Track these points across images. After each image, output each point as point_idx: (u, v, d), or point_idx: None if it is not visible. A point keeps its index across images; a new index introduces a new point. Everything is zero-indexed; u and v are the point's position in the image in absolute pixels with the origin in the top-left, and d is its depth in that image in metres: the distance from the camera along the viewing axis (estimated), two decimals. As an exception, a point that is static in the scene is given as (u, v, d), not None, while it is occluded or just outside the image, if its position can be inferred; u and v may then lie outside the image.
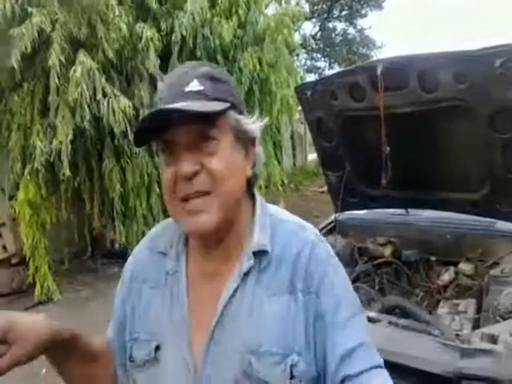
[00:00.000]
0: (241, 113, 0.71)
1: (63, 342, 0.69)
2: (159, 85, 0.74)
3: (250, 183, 0.74)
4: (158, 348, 0.72)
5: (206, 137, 0.66)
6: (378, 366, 0.67)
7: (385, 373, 0.67)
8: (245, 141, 0.71)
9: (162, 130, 0.65)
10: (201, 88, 0.66)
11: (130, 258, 0.84)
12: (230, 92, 0.70)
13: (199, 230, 0.67)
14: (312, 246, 0.72)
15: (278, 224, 0.75)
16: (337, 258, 0.75)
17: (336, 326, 0.67)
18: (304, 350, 0.67)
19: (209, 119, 0.64)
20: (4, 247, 4.98)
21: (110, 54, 4.26)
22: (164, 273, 0.76)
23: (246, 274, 0.70)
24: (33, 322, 0.66)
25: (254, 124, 0.72)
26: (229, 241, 0.73)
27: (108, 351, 0.81)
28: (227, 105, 0.66)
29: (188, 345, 0.70)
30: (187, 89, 0.65)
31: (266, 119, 0.77)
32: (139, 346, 0.75)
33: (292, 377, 0.65)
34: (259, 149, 0.75)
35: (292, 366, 0.66)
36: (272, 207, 0.80)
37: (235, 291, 0.70)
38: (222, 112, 0.66)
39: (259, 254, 0.71)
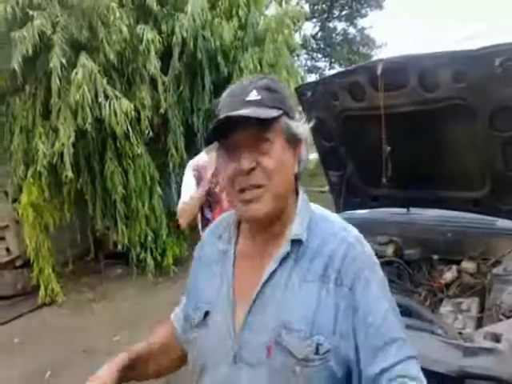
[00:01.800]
0: (292, 118, 0.83)
1: (129, 372, 0.90)
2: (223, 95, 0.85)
3: (296, 179, 0.86)
4: (207, 314, 0.86)
5: (262, 138, 0.78)
6: (412, 357, 0.75)
7: (418, 363, 0.75)
8: (293, 142, 0.83)
9: (227, 132, 0.78)
10: (259, 98, 0.79)
11: (200, 242, 1.01)
12: (283, 101, 0.82)
13: (252, 216, 0.80)
14: (349, 245, 0.81)
15: (320, 221, 0.86)
16: (377, 261, 0.83)
17: (370, 321, 0.74)
18: (331, 334, 0.74)
19: (265, 124, 0.77)
20: (8, 250, 5.01)
21: (111, 56, 4.28)
22: (218, 252, 0.91)
23: (285, 259, 0.81)
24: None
25: (302, 127, 0.85)
26: (274, 228, 0.84)
27: (172, 336, 1.01)
28: (281, 112, 0.79)
29: (231, 313, 0.82)
30: (247, 98, 0.79)
31: (313, 122, 0.93)
32: (195, 311, 0.89)
33: (317, 352, 0.73)
34: (304, 148, 0.87)
35: (318, 344, 0.74)
36: (317, 206, 0.91)
37: (274, 272, 0.80)
38: (277, 118, 0.78)
39: (296, 243, 0.81)
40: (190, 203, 2.36)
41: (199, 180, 2.41)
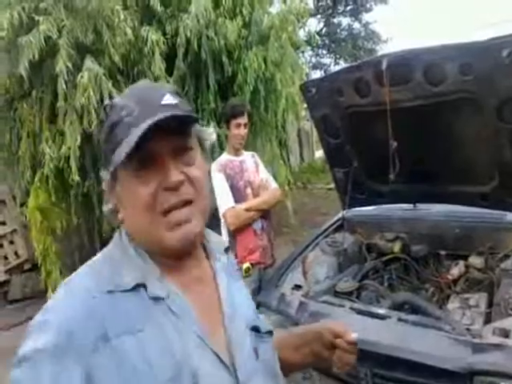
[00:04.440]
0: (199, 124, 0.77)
1: None
2: (118, 104, 0.70)
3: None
4: (194, 375, 0.65)
5: (185, 147, 0.70)
6: None
7: None
8: (205, 149, 0.77)
9: (142, 145, 0.64)
10: (175, 101, 0.69)
11: (68, 328, 0.60)
12: (190, 106, 0.77)
13: (187, 238, 0.69)
14: None
15: None
16: None
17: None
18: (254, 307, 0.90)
19: (185, 130, 0.70)
20: (16, 253, 5.07)
21: (117, 59, 4.30)
22: (148, 304, 0.67)
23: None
24: None
25: (211, 134, 0.79)
26: (198, 245, 0.80)
27: None
28: (196, 116, 0.73)
29: (215, 349, 0.69)
30: (163, 102, 0.68)
31: (214, 131, 0.84)
32: None
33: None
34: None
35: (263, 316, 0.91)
36: None
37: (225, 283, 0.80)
38: (195, 122, 0.72)
39: (226, 251, 0.88)
40: (246, 213, 2.52)
41: (230, 178, 2.55)
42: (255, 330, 0.80)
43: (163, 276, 0.71)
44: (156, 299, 0.68)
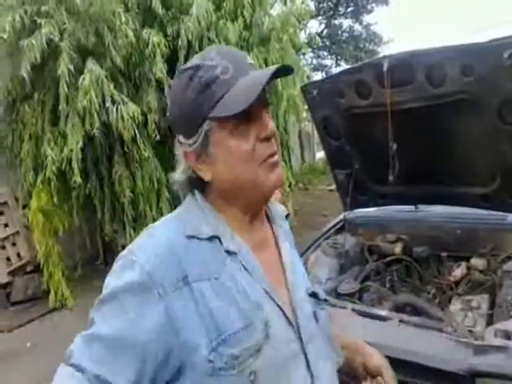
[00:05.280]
0: None
1: None
2: (207, 64, 0.71)
3: None
4: (266, 324, 0.70)
5: (268, 102, 0.75)
6: None
7: None
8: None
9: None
10: (253, 61, 0.77)
11: (152, 267, 0.66)
12: None
13: (281, 179, 0.77)
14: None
15: None
16: None
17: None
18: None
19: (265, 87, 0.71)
20: (18, 255, 5.08)
21: (118, 61, 4.32)
22: (222, 256, 0.72)
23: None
24: None
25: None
26: (264, 206, 0.85)
27: None
28: None
29: (281, 306, 0.75)
30: (249, 61, 0.74)
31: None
32: (240, 338, 0.67)
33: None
34: None
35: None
36: None
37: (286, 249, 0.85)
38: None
39: (287, 217, 0.92)
40: None
41: None
42: (314, 295, 0.85)
43: (235, 234, 0.76)
44: (230, 253, 0.73)
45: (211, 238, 0.73)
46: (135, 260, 0.67)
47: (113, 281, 0.67)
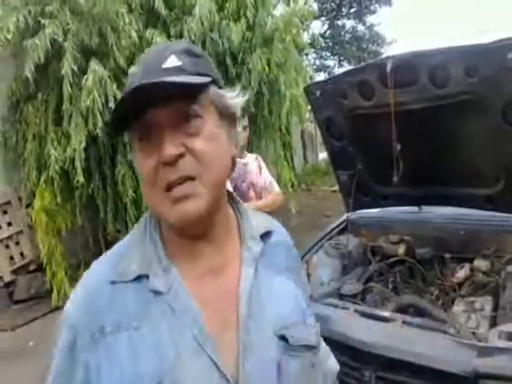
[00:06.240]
0: (221, 88, 0.67)
1: None
2: (132, 68, 0.67)
3: (233, 163, 0.69)
4: None
5: (187, 115, 0.60)
6: None
7: None
8: (227, 117, 0.67)
9: (138, 113, 0.59)
10: (179, 63, 0.61)
11: (75, 319, 0.63)
12: (209, 67, 0.66)
13: (187, 216, 0.60)
14: (287, 234, 0.85)
15: (251, 211, 0.79)
16: None
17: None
18: (309, 313, 0.76)
19: (190, 96, 0.60)
20: (22, 254, 5.10)
21: (121, 62, 4.32)
22: (147, 297, 0.62)
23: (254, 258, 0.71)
24: None
25: (235, 99, 0.68)
26: (218, 228, 0.68)
27: None
28: (209, 79, 0.62)
29: (214, 359, 0.60)
30: (164, 65, 0.60)
31: (248, 95, 0.72)
32: None
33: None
34: (239, 126, 0.71)
35: (315, 326, 0.76)
36: None
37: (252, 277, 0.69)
38: (204, 86, 0.61)
39: (264, 237, 0.74)
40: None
41: (233, 180, 2.54)
42: (283, 339, 0.67)
43: (173, 265, 0.64)
44: (156, 293, 0.62)
45: (138, 278, 0.63)
46: (65, 311, 0.66)
47: (57, 337, 0.66)
